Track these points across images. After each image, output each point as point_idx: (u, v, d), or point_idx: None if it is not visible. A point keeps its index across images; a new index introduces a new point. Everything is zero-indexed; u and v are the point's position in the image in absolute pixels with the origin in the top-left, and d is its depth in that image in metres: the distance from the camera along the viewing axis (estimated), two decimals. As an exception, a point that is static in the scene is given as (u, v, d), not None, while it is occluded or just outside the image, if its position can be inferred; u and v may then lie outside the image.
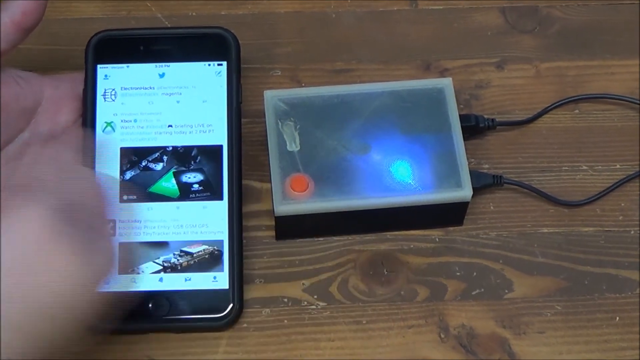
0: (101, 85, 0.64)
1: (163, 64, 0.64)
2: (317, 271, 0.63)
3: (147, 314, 0.60)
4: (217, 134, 0.63)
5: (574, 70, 0.70)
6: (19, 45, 0.59)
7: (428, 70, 0.69)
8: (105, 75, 0.64)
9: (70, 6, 0.71)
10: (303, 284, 0.62)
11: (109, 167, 0.62)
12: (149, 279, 0.60)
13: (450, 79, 0.64)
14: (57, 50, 0.69)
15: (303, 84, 0.69)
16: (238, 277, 0.60)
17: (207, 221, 0.61)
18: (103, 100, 0.64)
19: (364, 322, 0.61)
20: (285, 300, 0.62)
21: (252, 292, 0.61)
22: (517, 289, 0.62)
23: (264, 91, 0.64)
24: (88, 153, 0.61)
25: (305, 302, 0.62)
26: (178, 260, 0.61)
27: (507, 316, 0.61)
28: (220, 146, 0.63)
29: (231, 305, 0.60)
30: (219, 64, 0.65)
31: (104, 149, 0.62)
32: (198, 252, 0.61)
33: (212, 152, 0.63)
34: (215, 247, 0.61)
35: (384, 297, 0.62)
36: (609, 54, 0.70)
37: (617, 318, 0.61)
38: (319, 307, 0.61)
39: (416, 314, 0.61)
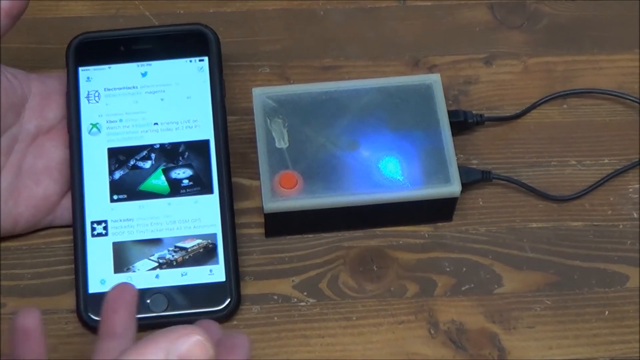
0: (84, 88, 0.64)
1: (145, 62, 0.65)
2: (306, 268, 0.63)
3: (145, 311, 0.60)
4: (203, 129, 0.63)
5: (562, 65, 0.70)
6: (7, 32, 0.59)
7: (416, 67, 0.69)
8: (88, 78, 0.64)
9: (59, 5, 0.71)
10: (293, 280, 0.62)
11: (98, 168, 0.62)
12: (145, 276, 0.60)
13: (439, 75, 0.64)
14: (46, 48, 0.69)
15: (291, 81, 0.69)
16: (234, 268, 0.60)
17: (199, 215, 0.62)
18: (87, 102, 0.64)
19: (354, 318, 0.61)
20: (275, 297, 0.62)
21: (242, 289, 0.61)
22: (507, 284, 0.62)
23: (252, 88, 0.64)
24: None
25: (295, 299, 0.62)
26: (173, 256, 0.61)
27: (496, 311, 0.61)
28: (207, 140, 0.63)
29: (229, 296, 0.60)
30: (200, 60, 0.65)
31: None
32: (192, 246, 0.61)
33: (199, 147, 0.63)
34: (209, 241, 0.61)
35: (373, 293, 0.62)
36: (597, 48, 0.70)
37: (607, 312, 0.61)
38: (308, 303, 0.61)
39: (406, 310, 0.61)
